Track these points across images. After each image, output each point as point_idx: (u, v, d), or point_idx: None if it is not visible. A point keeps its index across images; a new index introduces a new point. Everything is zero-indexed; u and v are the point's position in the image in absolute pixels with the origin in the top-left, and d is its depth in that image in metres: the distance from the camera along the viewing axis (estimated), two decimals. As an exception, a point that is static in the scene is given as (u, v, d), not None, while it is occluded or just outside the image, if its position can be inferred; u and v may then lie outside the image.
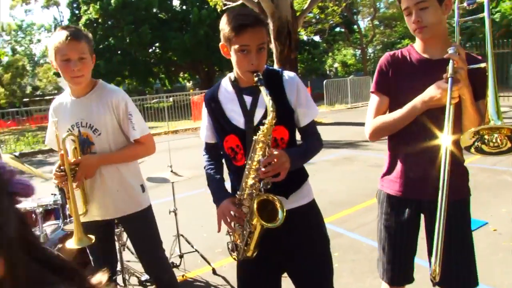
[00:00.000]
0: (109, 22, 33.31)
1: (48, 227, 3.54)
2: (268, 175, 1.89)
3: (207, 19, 30.34)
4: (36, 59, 57.32)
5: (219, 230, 2.11)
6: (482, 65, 1.98)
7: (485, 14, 2.03)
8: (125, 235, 3.66)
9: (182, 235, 4.44)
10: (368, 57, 38.20)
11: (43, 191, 3.81)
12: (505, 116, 10.94)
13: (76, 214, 2.56)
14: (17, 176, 0.79)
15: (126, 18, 31.44)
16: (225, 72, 36.41)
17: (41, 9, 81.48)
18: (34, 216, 3.40)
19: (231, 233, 2.16)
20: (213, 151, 2.35)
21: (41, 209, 3.34)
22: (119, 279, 3.65)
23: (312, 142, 2.21)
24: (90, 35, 2.68)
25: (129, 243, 3.42)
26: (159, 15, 35.00)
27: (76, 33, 2.54)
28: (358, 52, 42.64)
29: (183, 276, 4.23)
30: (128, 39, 31.50)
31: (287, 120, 2.10)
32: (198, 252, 4.36)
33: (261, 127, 1.88)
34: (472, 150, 1.92)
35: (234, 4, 15.77)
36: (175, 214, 4.37)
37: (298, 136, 2.22)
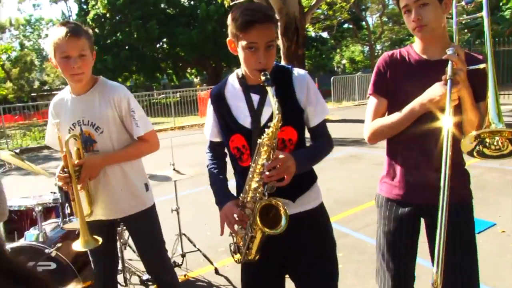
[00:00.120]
0: (117, 17, 33.31)
1: (48, 226, 3.50)
2: (272, 179, 1.82)
3: (215, 14, 30.26)
4: (44, 54, 57.50)
5: (221, 233, 2.05)
6: (482, 66, 1.91)
7: (484, 13, 1.95)
8: (126, 233, 3.62)
9: (184, 234, 4.39)
10: (376, 54, 37.86)
11: (44, 189, 3.78)
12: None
13: (82, 216, 2.53)
14: None
15: (134, 13, 31.43)
16: (232, 68, 36.43)
17: (49, 4, 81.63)
18: (35, 214, 3.35)
19: (234, 235, 2.10)
20: (218, 150, 2.29)
21: (40, 207, 3.30)
22: (120, 278, 3.61)
23: (322, 143, 2.12)
24: (90, 31, 2.62)
25: (130, 241, 3.38)
26: (167, 10, 34.96)
27: (76, 29, 2.47)
28: (366, 48, 42.47)
29: (185, 275, 4.19)
30: (136, 34, 31.48)
31: (296, 120, 2.02)
32: (201, 251, 4.31)
33: (266, 130, 1.80)
34: (475, 154, 1.84)
35: (241, -1, 15.70)
36: (178, 213, 4.32)
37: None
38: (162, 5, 34.62)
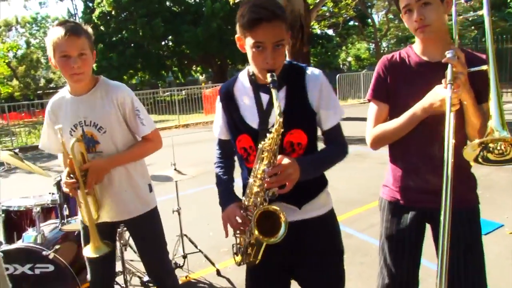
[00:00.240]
0: (122, 15, 33.31)
1: (47, 227, 3.46)
2: (273, 186, 1.75)
3: (220, 12, 30.16)
4: (50, 51, 57.82)
5: (226, 236, 1.99)
6: (484, 67, 1.82)
7: (484, 12, 1.85)
8: (127, 234, 3.56)
9: (185, 235, 4.34)
10: (382, 51, 37.69)
11: (48, 188, 3.74)
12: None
13: (91, 221, 2.49)
14: None
15: (139, 11, 31.41)
16: (237, 66, 36.45)
17: (55, 2, 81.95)
18: (34, 215, 3.31)
19: (237, 236, 2.04)
20: (226, 148, 2.22)
21: (38, 208, 3.25)
22: (120, 279, 3.57)
23: (333, 149, 2.02)
24: (90, 30, 2.55)
25: (131, 241, 3.33)
26: (172, 8, 34.95)
27: (76, 28, 2.41)
28: (372, 46, 42.31)
29: (186, 277, 4.14)
30: (141, 32, 31.45)
31: (306, 123, 1.93)
32: (202, 252, 4.26)
33: (268, 134, 1.72)
34: (480, 160, 1.75)
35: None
36: (179, 214, 4.27)
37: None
38: (168, 3, 34.62)
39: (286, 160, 1.75)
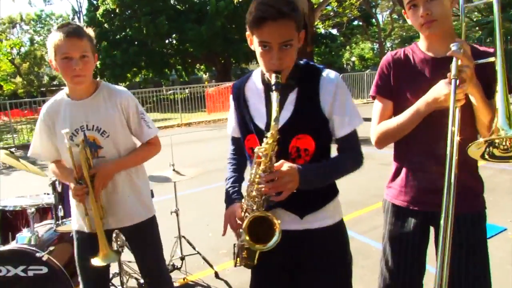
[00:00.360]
0: (127, 13, 33.38)
1: (42, 227, 3.40)
2: (269, 192, 1.68)
3: (224, 10, 30.11)
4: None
5: (224, 234, 1.94)
6: (492, 59, 1.73)
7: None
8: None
9: (183, 237, 4.28)
10: (386, 51, 37.60)
11: (39, 189, 3.70)
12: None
13: (100, 228, 2.43)
14: None
15: (143, 9, 31.47)
16: (241, 65, 36.42)
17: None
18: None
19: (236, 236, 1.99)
20: (239, 145, 2.13)
21: (33, 209, 3.19)
22: (117, 281, 3.52)
23: (344, 159, 1.91)
24: (92, 32, 2.50)
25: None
26: (176, 6, 34.97)
27: (78, 30, 2.37)
28: (376, 46, 42.25)
29: (184, 279, 4.08)
30: (145, 30, 31.45)
31: (315, 128, 1.83)
32: (200, 254, 4.20)
33: (264, 139, 1.65)
34: (486, 156, 1.69)
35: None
36: (177, 215, 4.22)
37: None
38: (172, 1, 34.67)
39: (285, 167, 1.68)
